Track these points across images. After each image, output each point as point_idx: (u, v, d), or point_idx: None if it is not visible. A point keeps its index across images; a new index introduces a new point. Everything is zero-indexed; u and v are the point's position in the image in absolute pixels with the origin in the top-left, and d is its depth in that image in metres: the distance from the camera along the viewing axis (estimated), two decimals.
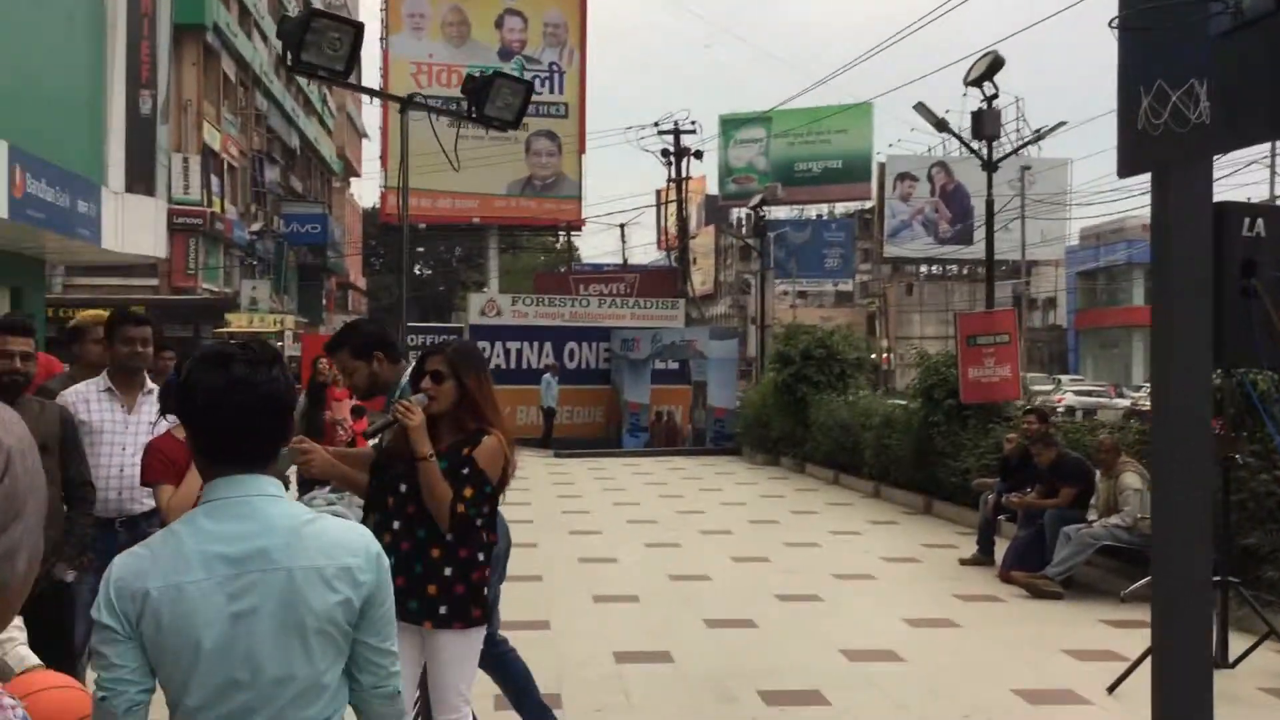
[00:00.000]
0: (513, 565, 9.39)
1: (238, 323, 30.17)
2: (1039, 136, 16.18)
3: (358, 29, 4.92)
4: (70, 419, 4.21)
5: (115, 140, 18.80)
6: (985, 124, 12.45)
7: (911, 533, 11.54)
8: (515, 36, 48.03)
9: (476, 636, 3.84)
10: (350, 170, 61.99)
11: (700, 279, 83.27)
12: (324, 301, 51.95)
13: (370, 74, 62.69)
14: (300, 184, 50.79)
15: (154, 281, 34.36)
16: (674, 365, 22.99)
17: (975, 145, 12.80)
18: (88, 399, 4.57)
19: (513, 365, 23.13)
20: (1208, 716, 3.34)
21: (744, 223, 67.08)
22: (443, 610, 3.73)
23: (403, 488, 3.75)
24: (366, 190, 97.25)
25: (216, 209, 36.98)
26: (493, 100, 5.77)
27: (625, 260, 45.79)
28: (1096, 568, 9.01)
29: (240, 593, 1.95)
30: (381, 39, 47.88)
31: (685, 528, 11.73)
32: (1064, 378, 47.68)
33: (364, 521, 3.81)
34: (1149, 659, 5.92)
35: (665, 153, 31.13)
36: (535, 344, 23.27)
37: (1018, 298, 46.89)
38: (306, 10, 4.95)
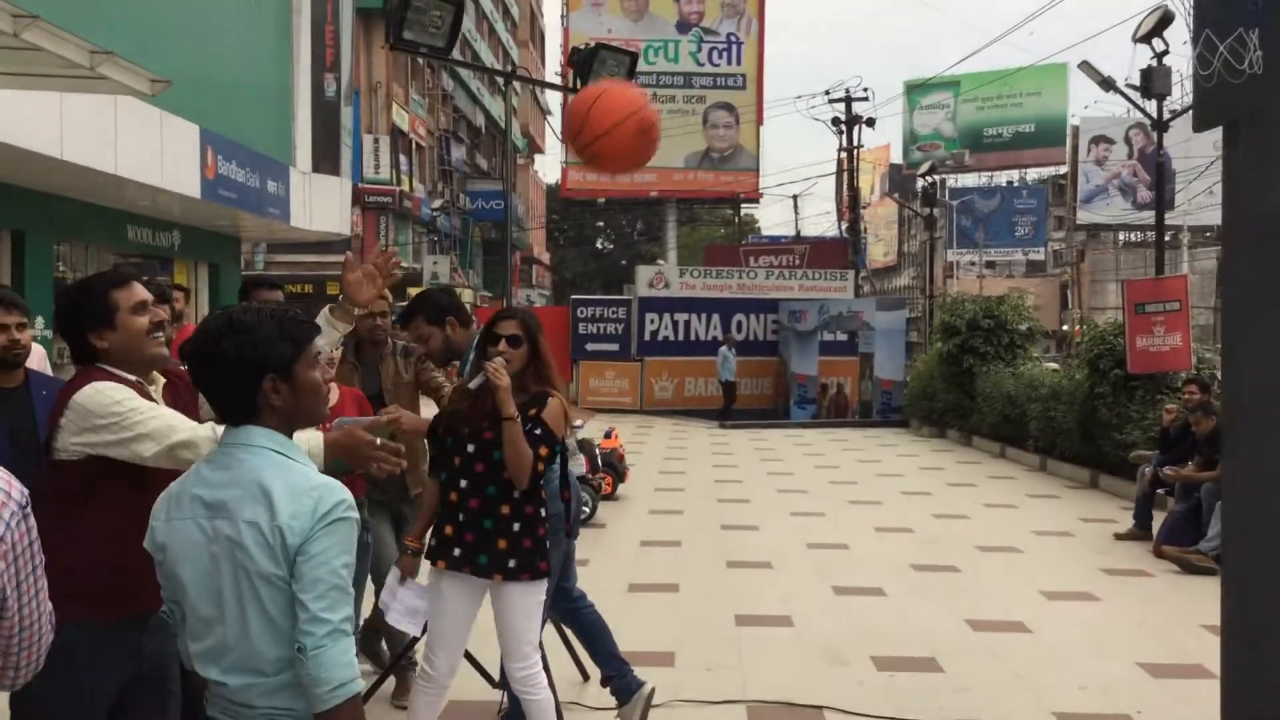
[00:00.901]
0: (654, 531, 9.66)
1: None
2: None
3: (458, 6, 5.12)
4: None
5: (302, 122, 19.77)
6: (1155, 82, 11.87)
7: (1072, 507, 11.20)
8: (693, 8, 48.00)
9: (541, 588, 4.03)
10: (534, 147, 63.20)
11: (883, 250, 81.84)
12: (509, 276, 53.28)
13: (552, 51, 63.88)
14: (486, 162, 52.15)
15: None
16: (843, 337, 22.79)
17: (1146, 105, 12.24)
18: None
19: (681, 337, 23.37)
20: None
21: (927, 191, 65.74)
22: (512, 564, 3.92)
23: (470, 448, 3.93)
24: (551, 166, 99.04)
25: (405, 187, 38.40)
26: (598, 71, 5.90)
27: (798, 231, 45.43)
28: None
29: (213, 535, 2.17)
30: (563, 16, 48.65)
31: (835, 498, 11.69)
32: None
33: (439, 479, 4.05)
34: None
35: (836, 121, 30.69)
36: (703, 316, 23.42)
37: (1222, 266, 44.28)
38: None
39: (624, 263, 69.31)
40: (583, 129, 4.37)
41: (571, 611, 4.95)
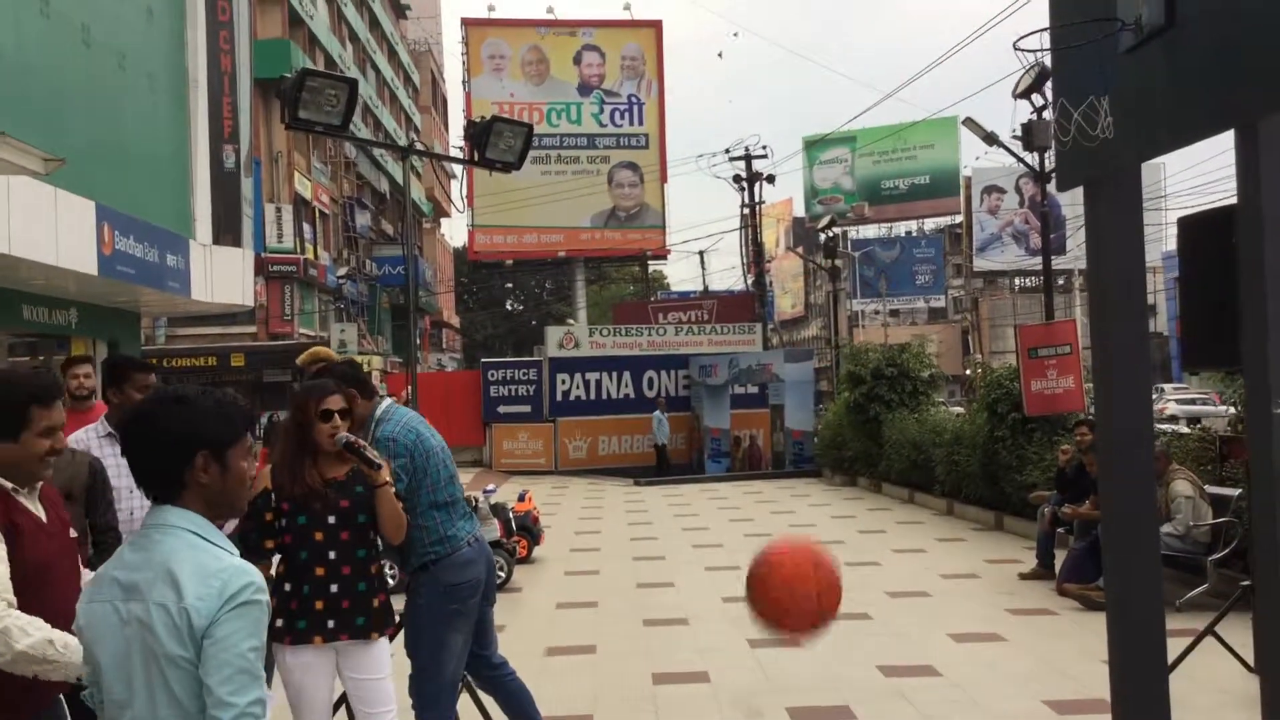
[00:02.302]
0: (569, 592, 9.65)
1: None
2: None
3: (352, 86, 5.20)
4: (100, 469, 4.47)
5: (201, 194, 19.56)
6: (1036, 135, 12.38)
7: (977, 549, 11.45)
8: (594, 71, 48.67)
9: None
10: (440, 211, 63.19)
11: (790, 302, 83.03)
12: (418, 340, 52.97)
13: (455, 116, 64.02)
14: (391, 227, 51.97)
15: (252, 329, 35.50)
16: (754, 389, 23.07)
17: (1029, 157, 12.75)
18: (87, 444, 4.81)
19: (593, 396, 23.45)
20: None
21: (837, 244, 67.04)
22: (382, 619, 4.11)
23: (331, 519, 4.02)
24: (457, 230, 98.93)
25: (310, 255, 38.11)
26: (494, 144, 6.00)
27: (706, 287, 45.97)
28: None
29: (126, 618, 2.18)
30: (464, 82, 48.93)
31: (749, 551, 11.71)
32: (1167, 386, 46.48)
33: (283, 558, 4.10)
34: (1178, 666, 5.90)
35: (737, 178, 31.27)
36: (614, 374, 23.56)
37: (1090, 316, 45.75)
38: (300, 71, 5.24)
39: (534, 323, 69.39)
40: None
41: (494, 680, 4.95)
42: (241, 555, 3.90)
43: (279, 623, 4.03)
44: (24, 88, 12.59)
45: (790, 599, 3.13)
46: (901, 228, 71.54)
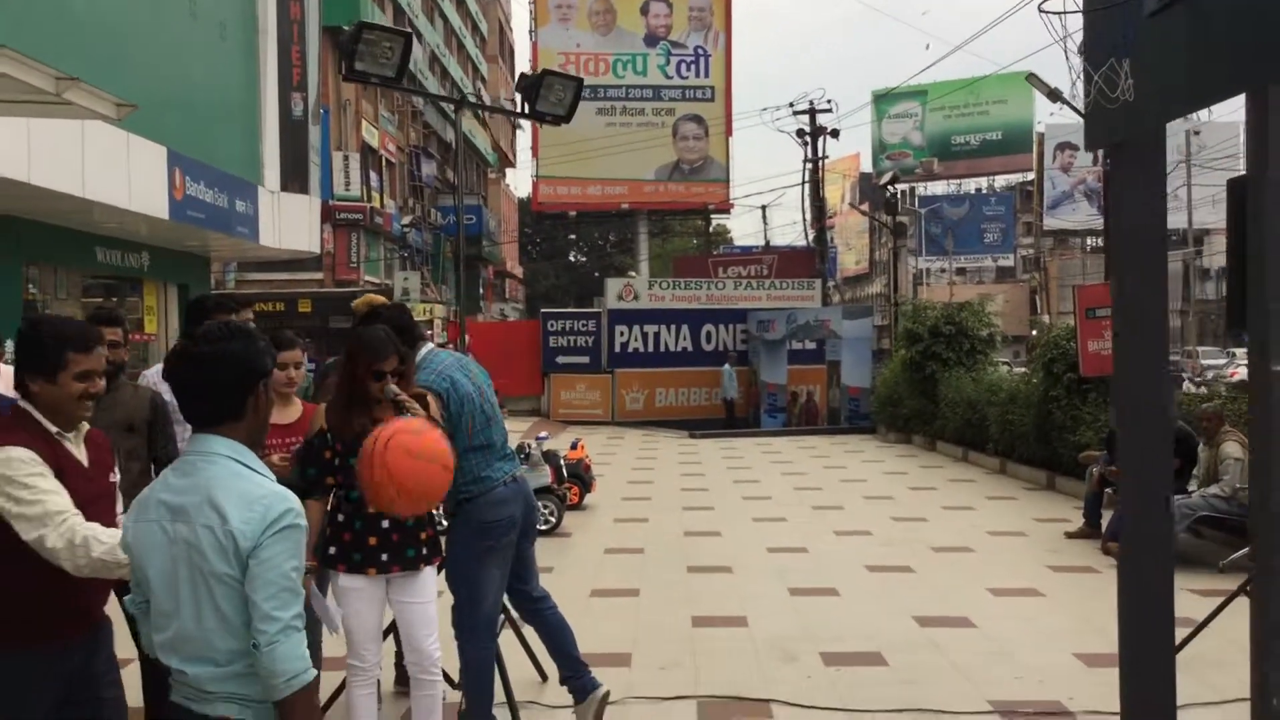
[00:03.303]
0: (618, 538, 9.86)
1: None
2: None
3: (407, 39, 5.34)
4: (162, 404, 4.71)
5: (270, 142, 19.92)
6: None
7: (1027, 508, 11.48)
8: (661, 22, 48.37)
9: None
10: (505, 161, 63.44)
11: (854, 258, 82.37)
12: (481, 290, 53.43)
13: (521, 65, 64.01)
14: (457, 177, 52.24)
15: (319, 275, 36.03)
16: (811, 345, 23.08)
17: None
18: (152, 381, 5.08)
19: (651, 348, 23.60)
20: None
21: (899, 200, 66.34)
22: (425, 551, 4.38)
23: None
24: (522, 180, 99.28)
25: (376, 204, 38.52)
26: (544, 97, 6.12)
27: (767, 242, 45.79)
28: (1205, 540, 8.91)
29: (173, 538, 2.38)
30: (531, 31, 48.92)
31: (798, 504, 11.93)
32: (1238, 351, 45.61)
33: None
34: (1210, 624, 5.97)
35: (800, 133, 31.04)
36: (672, 327, 23.67)
37: (1186, 268, 45.00)
38: (358, 24, 5.39)
39: (597, 275, 69.58)
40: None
41: (534, 612, 5.15)
42: (303, 491, 4.16)
43: (332, 550, 4.26)
44: (98, 36, 12.91)
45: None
46: (971, 184, 70.50)
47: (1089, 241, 62.41)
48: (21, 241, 13.51)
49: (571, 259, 70.35)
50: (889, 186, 28.35)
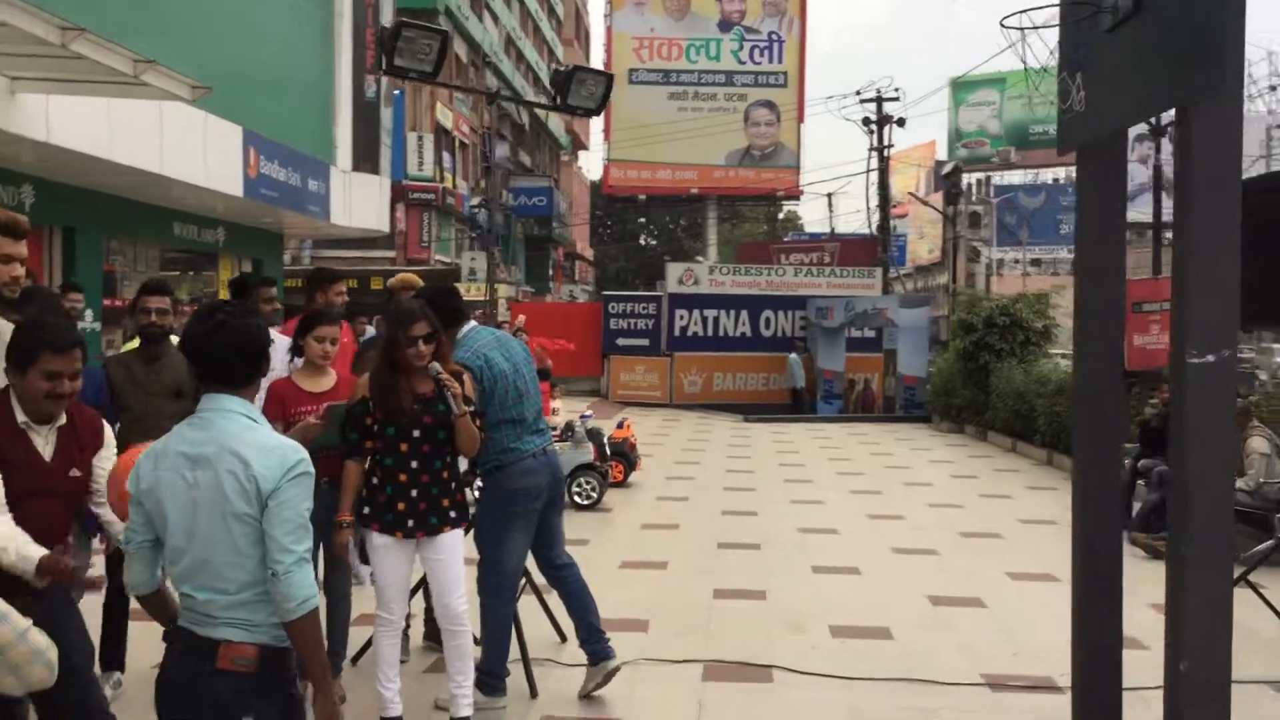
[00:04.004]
0: (656, 515, 10.20)
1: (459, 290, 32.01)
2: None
3: (444, 36, 5.69)
4: None
5: (343, 123, 20.49)
6: None
7: (1065, 498, 11.48)
8: (735, 7, 48.38)
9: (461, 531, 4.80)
10: (578, 144, 63.90)
11: (926, 247, 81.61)
12: (551, 271, 53.99)
13: (596, 50, 64.36)
14: (529, 158, 52.83)
15: (391, 253, 36.75)
16: (870, 333, 23.18)
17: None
18: None
19: (710, 333, 23.88)
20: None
21: (974, 189, 65.61)
22: (453, 515, 4.69)
23: (416, 433, 4.58)
24: (596, 163, 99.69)
25: (448, 184, 39.18)
26: (575, 90, 6.44)
27: (832, 229, 45.70)
28: (1237, 533, 9.02)
29: (193, 483, 2.74)
30: (606, 15, 49.23)
31: (838, 488, 12.18)
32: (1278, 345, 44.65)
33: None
34: None
35: (867, 121, 31.01)
36: (732, 312, 23.90)
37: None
38: (397, 21, 5.76)
39: (666, 258, 69.90)
40: None
41: (557, 578, 5.49)
42: (345, 454, 4.53)
43: (366, 510, 4.64)
44: (176, 16, 13.46)
45: None
46: (1049, 174, 69.45)
47: (1166, 235, 61.28)
48: (103, 216, 14.15)
49: (641, 242, 70.66)
50: (950, 178, 28.18)
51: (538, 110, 38.62)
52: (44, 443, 3.43)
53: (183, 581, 2.79)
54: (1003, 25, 3.33)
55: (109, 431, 3.73)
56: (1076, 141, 3.49)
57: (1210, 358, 2.87)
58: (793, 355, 23.12)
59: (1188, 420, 2.96)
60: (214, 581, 2.76)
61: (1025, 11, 3.28)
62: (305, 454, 2.83)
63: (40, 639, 2.18)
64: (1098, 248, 3.56)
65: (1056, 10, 3.30)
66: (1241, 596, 6.55)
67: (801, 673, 5.63)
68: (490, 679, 5.02)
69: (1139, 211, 58.14)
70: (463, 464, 4.90)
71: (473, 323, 5.25)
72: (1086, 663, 3.81)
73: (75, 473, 3.52)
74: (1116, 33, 3.23)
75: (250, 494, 2.72)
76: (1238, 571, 6.76)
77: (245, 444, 2.76)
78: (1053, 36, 3.52)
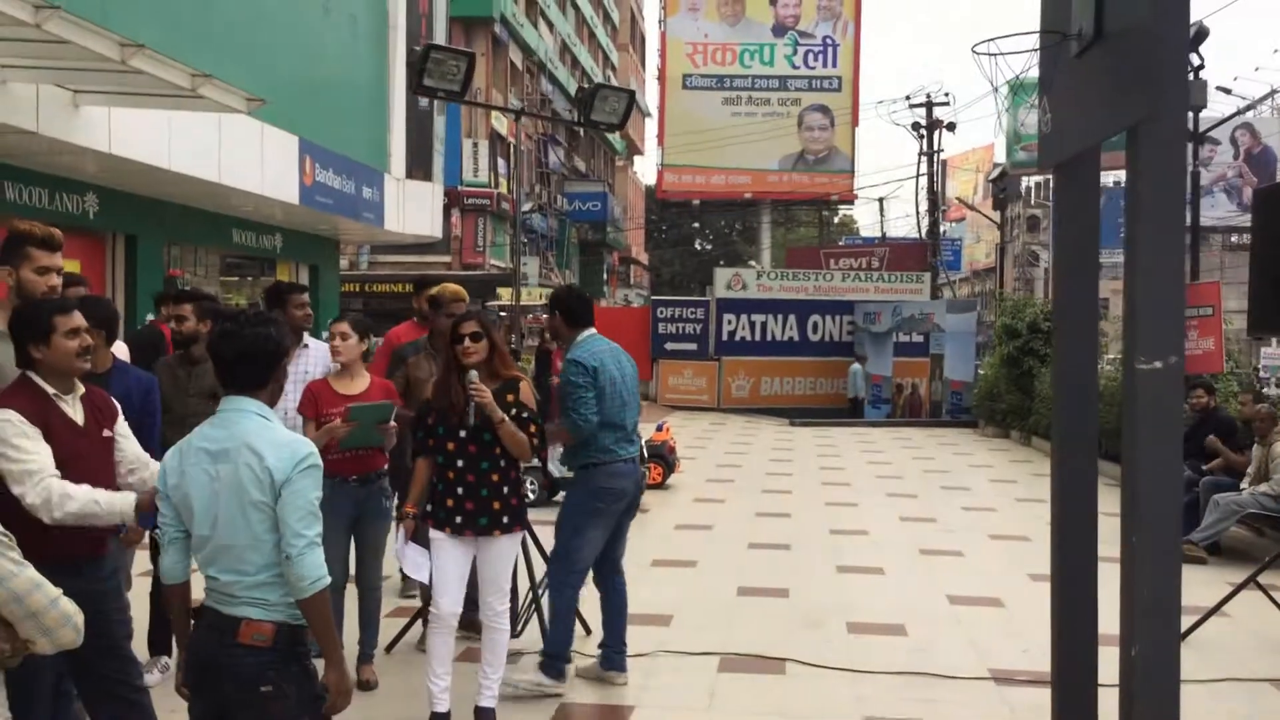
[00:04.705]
0: (691, 516, 10.43)
1: (507, 295, 32.40)
2: (1247, 107, 15.47)
3: (470, 58, 6.00)
4: None
5: (396, 132, 20.97)
6: (1191, 95, 12.25)
7: (1102, 503, 11.64)
8: (789, 12, 48.45)
9: (520, 537, 5.02)
10: (633, 149, 64.21)
11: (984, 251, 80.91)
12: (605, 276, 54.34)
13: (651, 55, 64.71)
14: (584, 164, 53.22)
15: (447, 258, 37.28)
16: (918, 338, 23.22)
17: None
18: None
19: (758, 337, 24.05)
20: None
21: (1033, 192, 64.98)
22: (505, 520, 4.88)
23: (462, 434, 4.83)
24: (650, 168, 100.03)
25: (503, 190, 39.66)
26: (599, 107, 6.71)
27: (883, 234, 45.59)
28: (1267, 538, 9.08)
29: (215, 475, 3.04)
30: (660, 21, 49.52)
31: (875, 491, 12.33)
32: None
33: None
34: (1223, 607, 6.30)
35: (916, 125, 31.00)
36: (780, 316, 24.06)
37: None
38: (426, 45, 6.09)
39: (721, 262, 70.02)
40: None
41: (608, 579, 5.72)
42: (414, 452, 4.82)
43: (429, 506, 4.92)
44: (235, 30, 13.94)
45: None
46: (1109, 177, 68.53)
47: (1232, 239, 60.30)
48: (164, 223, 14.68)
49: (696, 246, 70.86)
50: (995, 182, 28.07)
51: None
52: (74, 410, 3.70)
53: (208, 565, 3.09)
54: (974, 51, 3.54)
55: (118, 405, 3.98)
56: (1050, 160, 3.69)
57: (1158, 364, 3.06)
58: (855, 365, 23.17)
59: (1138, 421, 3.15)
60: (235, 564, 3.05)
61: (995, 39, 3.50)
62: (314, 448, 3.12)
63: (69, 605, 2.47)
64: (1074, 257, 3.76)
65: (1025, 38, 3.51)
66: (1252, 599, 6.69)
67: (813, 665, 5.84)
68: (554, 662, 5.39)
69: (1203, 215, 57.25)
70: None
71: (592, 330, 5.60)
72: (1063, 659, 4.00)
73: (106, 433, 3.80)
74: (1080, 59, 3.43)
75: (265, 484, 3.01)
76: (1247, 574, 6.89)
77: (260, 440, 3.05)
78: (1020, 61, 3.72)
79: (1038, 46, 3.58)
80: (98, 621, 3.35)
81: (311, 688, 3.11)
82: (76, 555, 3.60)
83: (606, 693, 5.50)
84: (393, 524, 5.55)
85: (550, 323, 5.84)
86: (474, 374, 4.77)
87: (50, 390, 3.63)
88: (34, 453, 3.47)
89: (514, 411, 4.84)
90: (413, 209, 21.22)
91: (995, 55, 3.47)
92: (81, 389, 3.77)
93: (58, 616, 2.44)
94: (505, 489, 4.87)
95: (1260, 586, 6.60)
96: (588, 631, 6.31)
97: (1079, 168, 3.74)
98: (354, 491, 5.36)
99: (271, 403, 3.18)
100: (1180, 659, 3.36)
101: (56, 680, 3.69)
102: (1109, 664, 4.73)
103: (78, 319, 3.68)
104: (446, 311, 5.97)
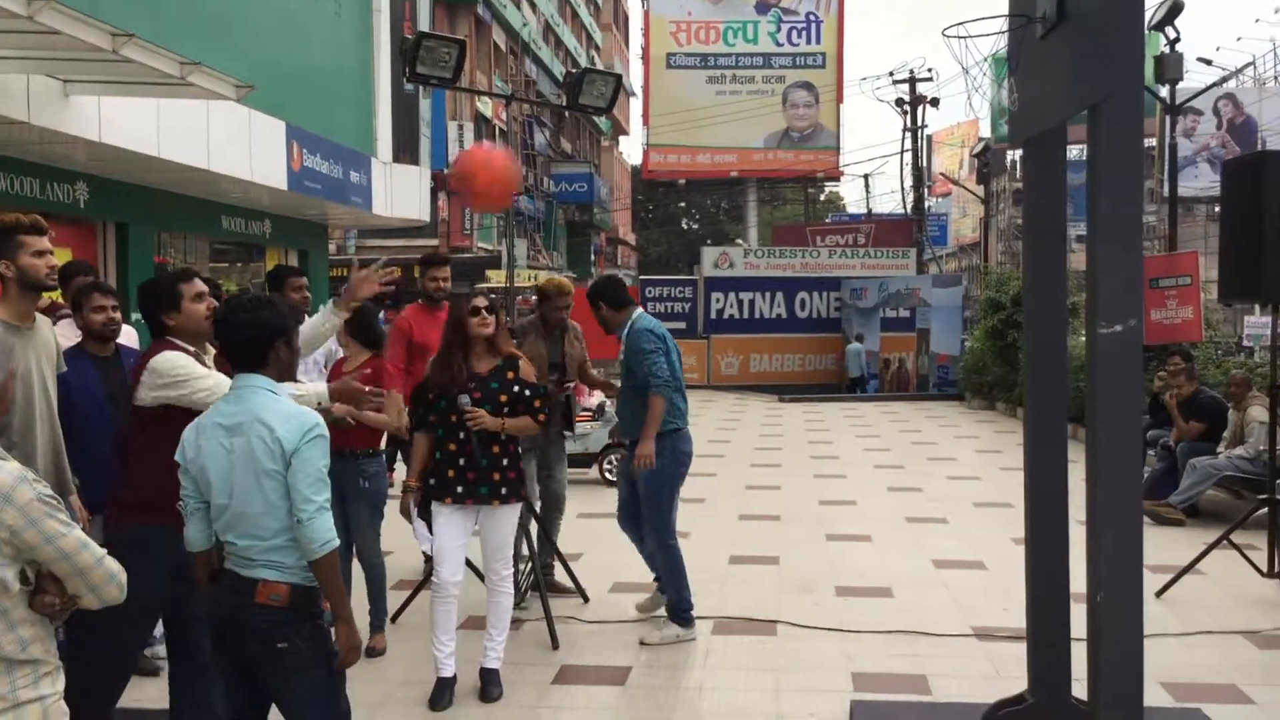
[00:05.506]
0: (684, 490, 10.59)
1: (496, 278, 32.58)
2: (1224, 78, 15.63)
3: (461, 45, 6.17)
4: None
5: (383, 116, 21.03)
6: (1167, 68, 12.43)
7: (1082, 469, 11.88)
8: None
9: (519, 507, 5.22)
10: (619, 129, 64.24)
11: (971, 226, 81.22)
12: (593, 257, 54.45)
13: (634, 35, 64.66)
14: (570, 145, 53.25)
15: (435, 242, 37.36)
16: (905, 313, 23.44)
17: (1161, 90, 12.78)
18: None
19: (746, 315, 24.23)
20: None
21: (1018, 166, 65.19)
22: (504, 490, 5.05)
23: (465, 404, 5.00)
24: (636, 148, 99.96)
25: None
26: (587, 91, 6.88)
27: (869, 210, 45.80)
28: (1245, 499, 9.32)
29: (230, 448, 3.23)
30: (643, 0, 49.49)
31: (862, 463, 12.55)
32: None
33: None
34: (1197, 565, 6.54)
35: (900, 102, 31.17)
36: (767, 294, 24.23)
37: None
38: (418, 34, 6.27)
39: (708, 241, 70.16)
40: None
41: (670, 557, 6.08)
42: (413, 426, 5.03)
43: (432, 481, 5.10)
44: (222, 16, 14.01)
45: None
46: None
47: (1217, 209, 60.61)
48: (154, 211, 14.77)
49: (684, 226, 70.98)
50: (982, 155, 28.27)
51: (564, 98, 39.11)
52: (210, 360, 4.07)
53: (226, 531, 3.28)
54: (944, 35, 3.72)
55: None
56: (1019, 137, 3.88)
57: (1118, 327, 3.26)
58: (853, 344, 23.34)
59: (1099, 380, 3.36)
60: (251, 530, 3.24)
61: (964, 23, 3.68)
62: (320, 419, 3.33)
63: (113, 564, 2.65)
64: (1043, 230, 3.95)
65: (993, 21, 3.69)
66: (1227, 557, 6.94)
67: (803, 626, 6.07)
68: (683, 613, 5.86)
69: (1186, 186, 57.57)
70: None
71: (640, 310, 6.04)
72: (1038, 614, 4.22)
73: None
74: (1045, 41, 3.62)
75: (276, 454, 3.20)
76: (1254, 538, 7.16)
77: (270, 413, 3.25)
78: (987, 44, 3.91)
79: (1005, 30, 3.76)
80: (189, 586, 3.68)
81: (325, 645, 3.30)
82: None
83: (605, 653, 5.72)
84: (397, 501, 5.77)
85: (600, 315, 6.15)
86: (466, 399, 4.96)
87: (191, 349, 3.96)
88: (209, 374, 3.89)
89: (516, 388, 5.05)
90: (400, 192, 21.30)
91: (965, 38, 3.65)
92: (213, 350, 4.06)
93: (103, 574, 2.63)
94: (505, 460, 5.07)
95: (1234, 545, 6.84)
96: (585, 600, 6.53)
97: (1046, 144, 3.93)
98: (331, 468, 5.54)
99: (282, 377, 3.36)
100: (1143, 605, 3.56)
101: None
102: (1083, 621, 4.98)
103: (199, 285, 4.04)
104: (553, 305, 6.33)
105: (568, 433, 6.80)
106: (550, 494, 6.70)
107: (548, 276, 6.73)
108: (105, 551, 2.66)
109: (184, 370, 3.88)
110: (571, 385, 6.62)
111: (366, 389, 4.31)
